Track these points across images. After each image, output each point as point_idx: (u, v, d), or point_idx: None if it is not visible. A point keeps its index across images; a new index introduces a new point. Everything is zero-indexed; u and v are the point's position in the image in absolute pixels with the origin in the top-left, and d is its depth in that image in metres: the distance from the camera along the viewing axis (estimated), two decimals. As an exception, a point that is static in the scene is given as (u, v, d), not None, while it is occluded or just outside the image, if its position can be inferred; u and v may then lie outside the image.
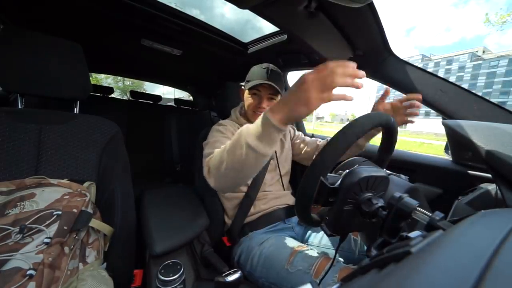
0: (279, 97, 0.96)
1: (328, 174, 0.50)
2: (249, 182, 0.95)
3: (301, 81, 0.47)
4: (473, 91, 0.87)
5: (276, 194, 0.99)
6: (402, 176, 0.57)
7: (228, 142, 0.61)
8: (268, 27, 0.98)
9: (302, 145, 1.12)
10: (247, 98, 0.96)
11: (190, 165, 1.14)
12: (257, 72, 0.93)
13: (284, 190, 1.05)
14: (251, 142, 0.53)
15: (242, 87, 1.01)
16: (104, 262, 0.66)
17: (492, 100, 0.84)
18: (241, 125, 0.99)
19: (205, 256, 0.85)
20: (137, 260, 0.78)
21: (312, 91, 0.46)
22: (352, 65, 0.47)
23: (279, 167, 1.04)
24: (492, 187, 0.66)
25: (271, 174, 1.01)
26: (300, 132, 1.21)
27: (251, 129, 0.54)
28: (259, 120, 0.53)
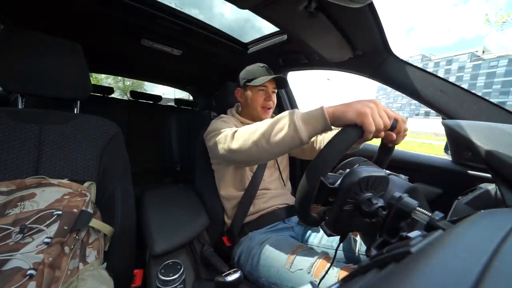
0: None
1: (328, 174, 0.50)
2: (250, 177, 0.95)
3: (372, 99, 0.51)
4: (473, 91, 0.88)
5: (275, 193, 1.00)
6: (402, 176, 0.57)
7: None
8: (267, 27, 1.00)
9: None
10: (253, 96, 0.98)
11: (190, 165, 1.14)
12: (257, 70, 0.97)
13: (284, 186, 1.05)
14: (296, 121, 0.54)
15: (239, 87, 1.03)
16: (104, 262, 0.66)
17: (492, 100, 0.84)
18: (239, 120, 1.02)
19: (205, 256, 0.85)
20: (137, 260, 0.78)
21: (371, 107, 0.48)
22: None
23: (277, 161, 1.05)
24: (491, 187, 0.66)
25: (270, 170, 1.02)
26: None
27: (301, 112, 0.56)
28: (312, 108, 0.55)
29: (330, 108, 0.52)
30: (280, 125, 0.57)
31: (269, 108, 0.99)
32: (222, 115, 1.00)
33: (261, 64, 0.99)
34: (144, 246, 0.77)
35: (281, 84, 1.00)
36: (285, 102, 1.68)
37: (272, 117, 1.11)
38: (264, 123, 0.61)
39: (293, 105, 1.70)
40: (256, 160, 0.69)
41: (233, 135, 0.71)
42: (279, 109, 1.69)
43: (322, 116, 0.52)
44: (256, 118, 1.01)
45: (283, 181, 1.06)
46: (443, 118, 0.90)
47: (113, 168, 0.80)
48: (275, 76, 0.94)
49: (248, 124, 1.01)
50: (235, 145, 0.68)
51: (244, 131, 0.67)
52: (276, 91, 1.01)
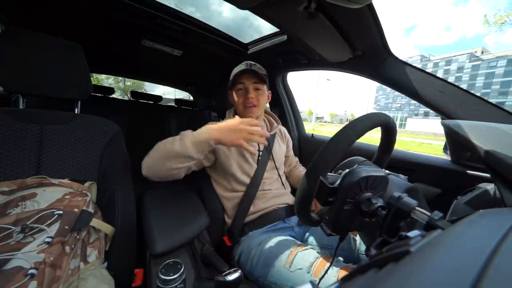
0: (265, 87, 0.99)
1: (328, 174, 0.51)
2: (248, 181, 0.95)
3: (233, 123, 0.73)
4: (472, 92, 0.88)
5: (275, 193, 1.00)
6: (401, 176, 0.57)
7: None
8: (266, 26, 0.99)
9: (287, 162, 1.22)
10: (235, 96, 0.99)
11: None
12: (239, 68, 0.97)
13: (284, 188, 1.06)
14: (186, 140, 0.70)
15: (229, 90, 1.03)
16: (105, 261, 0.66)
17: (491, 100, 0.84)
18: None
19: (205, 255, 0.85)
20: (138, 260, 0.78)
21: (237, 135, 0.71)
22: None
23: (276, 167, 1.05)
24: (490, 187, 0.66)
25: (270, 174, 1.02)
26: (291, 147, 1.26)
27: (192, 133, 0.72)
28: (202, 129, 0.72)
29: (215, 134, 0.70)
30: (169, 146, 0.71)
31: (252, 106, 0.96)
32: (212, 122, 0.98)
33: (245, 62, 0.98)
34: (145, 245, 0.77)
35: (261, 79, 0.95)
36: (284, 102, 1.68)
37: (269, 116, 1.13)
38: (165, 144, 0.73)
39: (292, 105, 1.70)
40: (161, 176, 0.77)
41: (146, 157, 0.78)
42: (280, 108, 1.69)
43: (207, 141, 0.70)
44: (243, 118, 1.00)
45: (282, 182, 1.06)
46: (442, 118, 0.90)
47: (113, 168, 0.80)
48: (244, 69, 0.93)
49: None
50: (143, 166, 0.76)
51: (152, 150, 0.76)
52: (262, 88, 0.98)
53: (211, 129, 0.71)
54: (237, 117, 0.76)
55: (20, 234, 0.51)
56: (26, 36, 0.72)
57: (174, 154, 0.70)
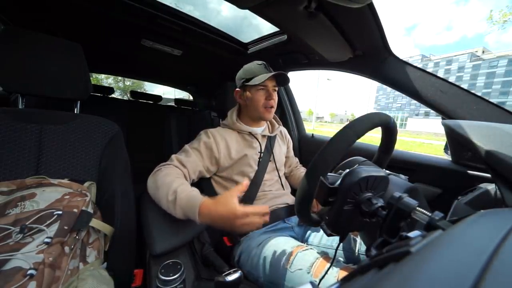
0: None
1: (328, 174, 0.50)
2: (249, 183, 0.95)
3: (232, 216, 0.61)
4: (473, 91, 0.88)
5: (275, 194, 1.00)
6: (402, 176, 0.57)
7: (171, 186, 0.72)
8: (265, 26, 0.98)
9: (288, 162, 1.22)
10: (253, 96, 0.95)
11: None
12: (256, 68, 0.94)
13: (283, 189, 1.05)
14: (178, 209, 0.69)
15: (238, 88, 1.01)
16: (104, 261, 0.66)
17: (492, 100, 0.84)
18: (236, 130, 0.99)
19: (205, 255, 0.85)
20: (138, 260, 0.78)
21: (237, 228, 0.62)
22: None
23: (277, 168, 1.05)
24: (491, 187, 0.65)
25: (270, 175, 1.02)
26: (292, 147, 1.26)
27: (185, 199, 0.68)
28: (191, 208, 0.66)
29: (202, 218, 0.65)
30: (168, 201, 0.70)
31: (271, 107, 0.96)
32: (210, 131, 0.96)
33: (259, 62, 0.96)
34: (144, 245, 0.77)
35: (282, 82, 0.97)
36: (285, 102, 1.68)
37: (273, 118, 1.12)
38: (163, 191, 0.72)
39: (292, 105, 1.70)
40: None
41: (158, 170, 0.81)
42: (280, 109, 1.69)
43: (193, 218, 0.66)
44: (258, 119, 1.00)
45: (282, 184, 1.06)
46: (443, 118, 0.90)
47: (113, 168, 0.80)
48: (275, 73, 0.91)
49: (244, 129, 0.98)
50: (150, 180, 0.79)
51: (156, 180, 0.77)
52: (276, 89, 0.98)
53: (201, 215, 0.65)
54: (235, 203, 0.62)
55: (19, 234, 0.51)
56: (25, 36, 0.72)
57: (163, 206, 0.73)
